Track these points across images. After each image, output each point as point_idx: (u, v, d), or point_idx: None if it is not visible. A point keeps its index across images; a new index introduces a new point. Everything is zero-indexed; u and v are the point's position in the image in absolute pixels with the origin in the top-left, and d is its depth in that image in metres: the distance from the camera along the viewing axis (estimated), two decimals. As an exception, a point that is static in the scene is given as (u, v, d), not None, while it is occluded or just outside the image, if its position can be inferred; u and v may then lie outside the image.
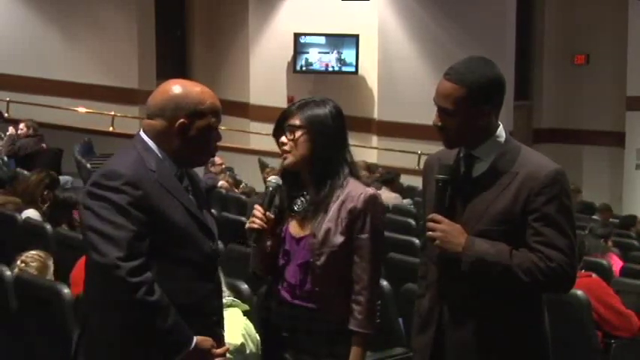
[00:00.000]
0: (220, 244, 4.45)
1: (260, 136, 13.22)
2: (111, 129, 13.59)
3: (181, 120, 2.48)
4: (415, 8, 14.24)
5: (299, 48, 14.49)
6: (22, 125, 10.90)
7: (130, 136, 2.64)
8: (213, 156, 3.04)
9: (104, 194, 2.38)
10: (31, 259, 4.23)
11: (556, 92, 16.02)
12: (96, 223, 2.37)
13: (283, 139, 2.78)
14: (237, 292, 3.87)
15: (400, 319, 4.47)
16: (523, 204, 2.51)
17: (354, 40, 14.33)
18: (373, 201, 2.75)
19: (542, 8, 16.01)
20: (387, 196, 9.21)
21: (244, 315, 3.72)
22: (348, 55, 14.42)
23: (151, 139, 2.51)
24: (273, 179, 2.82)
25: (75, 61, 14.12)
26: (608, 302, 4.89)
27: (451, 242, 2.54)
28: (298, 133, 2.75)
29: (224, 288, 3.24)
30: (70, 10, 14.16)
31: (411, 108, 13.41)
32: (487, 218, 2.54)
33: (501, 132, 2.62)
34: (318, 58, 14.52)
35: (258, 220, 2.76)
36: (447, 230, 2.55)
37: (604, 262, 5.83)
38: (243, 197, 9.19)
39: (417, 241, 6.00)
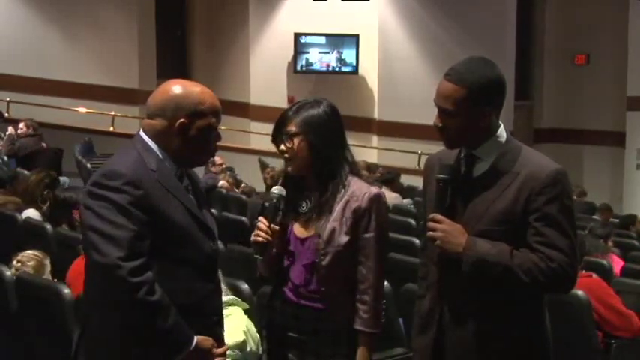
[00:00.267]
0: (220, 244, 4.45)
1: (260, 136, 13.21)
2: (111, 129, 13.59)
3: (181, 120, 2.48)
4: (415, 8, 14.25)
5: (299, 48, 14.49)
6: (22, 125, 10.89)
7: (130, 136, 2.63)
8: (213, 156, 3.04)
9: (105, 194, 2.38)
10: (27, 258, 4.24)
11: (556, 92, 16.03)
12: (97, 223, 2.36)
13: (283, 147, 2.79)
14: (237, 292, 3.88)
15: (400, 320, 4.46)
16: (524, 204, 2.51)
17: (354, 40, 14.33)
18: (378, 200, 2.76)
19: (543, 8, 16.02)
20: (388, 196, 9.11)
21: (245, 314, 3.74)
22: (349, 55, 14.43)
23: (151, 139, 2.51)
24: (276, 190, 2.81)
25: (75, 61, 14.13)
26: (608, 302, 4.88)
27: (452, 242, 2.54)
28: (296, 140, 2.76)
29: (224, 287, 3.24)
30: (70, 10, 14.16)
31: (411, 108, 13.41)
32: (488, 218, 2.54)
33: (502, 132, 2.62)
34: (318, 58, 14.52)
35: (262, 234, 2.76)
36: (447, 230, 2.55)
37: (604, 262, 5.83)
38: (244, 197, 9.19)
39: (417, 241, 6.00)
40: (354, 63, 14.42)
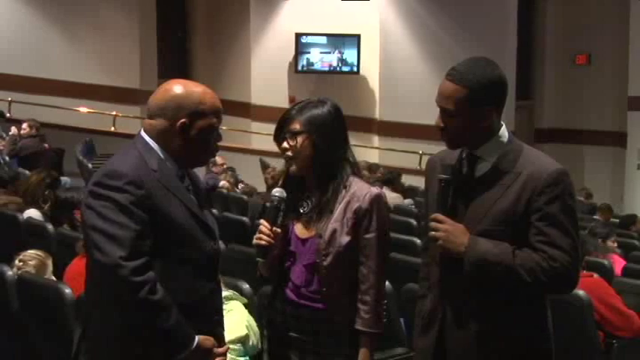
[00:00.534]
0: (221, 244, 4.45)
1: (261, 136, 13.22)
2: (112, 129, 13.61)
3: (182, 120, 2.48)
4: (416, 8, 14.25)
5: (300, 48, 14.50)
6: (24, 125, 10.91)
7: (131, 137, 2.63)
8: (214, 156, 3.04)
9: (107, 193, 2.38)
10: (29, 258, 4.24)
11: (557, 92, 16.04)
12: (98, 223, 2.36)
13: (285, 145, 2.78)
14: (238, 292, 3.88)
15: (401, 319, 4.46)
16: (526, 204, 2.50)
17: (355, 40, 14.34)
18: (378, 200, 2.75)
19: (544, 8, 16.02)
20: (389, 196, 9.19)
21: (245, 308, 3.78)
22: (350, 55, 14.43)
23: (152, 139, 2.51)
24: (277, 192, 2.80)
25: (77, 62, 14.14)
26: (609, 302, 4.88)
27: (454, 242, 2.53)
28: (300, 139, 2.75)
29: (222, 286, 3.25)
30: (71, 10, 14.18)
31: (412, 108, 13.42)
32: (489, 218, 2.53)
33: (504, 132, 2.61)
34: (319, 58, 14.53)
35: (265, 237, 2.75)
36: (449, 230, 2.55)
37: (605, 262, 5.83)
38: (245, 197, 9.19)
39: (418, 241, 6.00)
40: (355, 63, 14.42)
